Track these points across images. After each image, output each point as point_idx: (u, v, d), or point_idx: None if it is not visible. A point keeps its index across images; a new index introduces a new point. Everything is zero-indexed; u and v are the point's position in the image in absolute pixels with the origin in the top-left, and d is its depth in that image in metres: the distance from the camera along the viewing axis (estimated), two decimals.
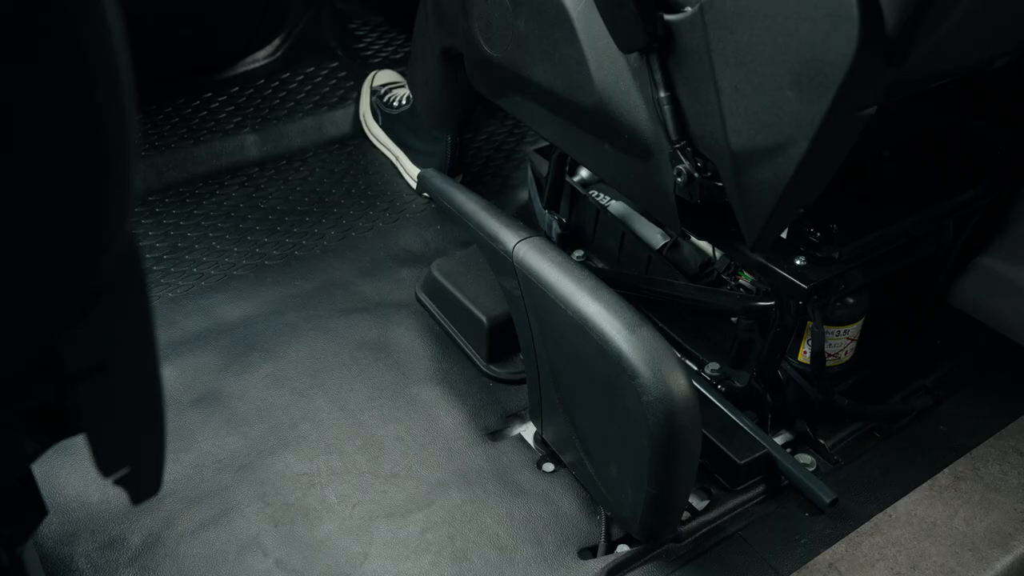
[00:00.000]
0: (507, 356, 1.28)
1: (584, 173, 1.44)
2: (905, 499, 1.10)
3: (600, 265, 1.41)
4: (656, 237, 1.31)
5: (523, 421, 1.22)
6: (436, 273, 1.33)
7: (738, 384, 1.18)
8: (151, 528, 1.04)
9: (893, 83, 0.78)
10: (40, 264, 0.39)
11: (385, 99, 1.70)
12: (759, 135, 0.81)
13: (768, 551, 1.04)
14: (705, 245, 1.26)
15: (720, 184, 0.89)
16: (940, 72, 0.93)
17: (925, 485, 1.12)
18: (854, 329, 1.19)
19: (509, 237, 1.05)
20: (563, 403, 1.05)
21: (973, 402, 1.24)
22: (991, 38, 0.91)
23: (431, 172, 1.29)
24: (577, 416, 1.03)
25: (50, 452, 0.53)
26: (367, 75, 1.78)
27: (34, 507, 0.61)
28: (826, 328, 1.16)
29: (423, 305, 1.37)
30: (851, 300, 1.16)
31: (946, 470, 1.14)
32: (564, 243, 1.45)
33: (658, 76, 0.88)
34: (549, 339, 1.02)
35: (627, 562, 1.02)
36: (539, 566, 1.02)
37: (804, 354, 1.18)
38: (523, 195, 1.63)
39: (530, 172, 1.56)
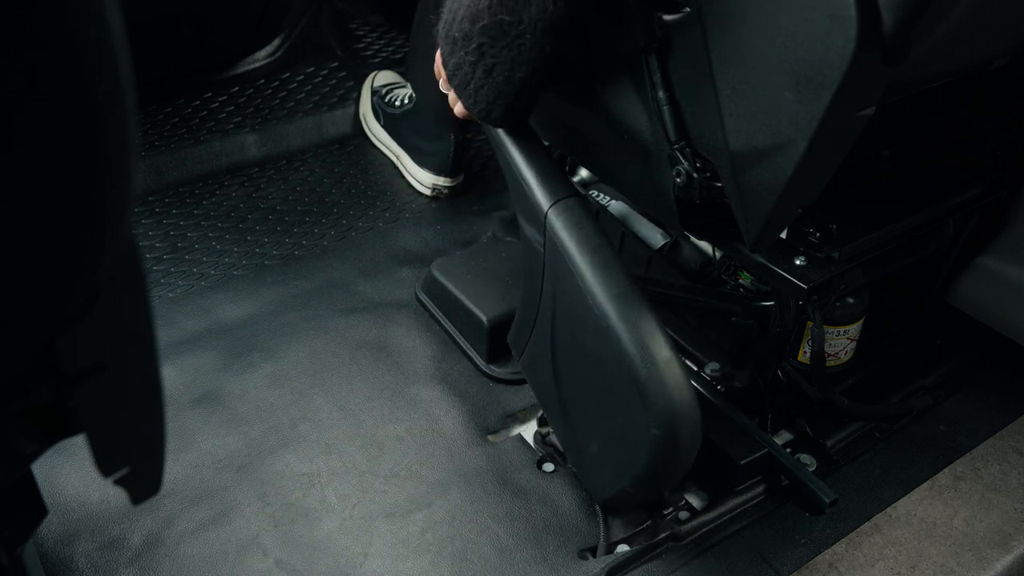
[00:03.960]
0: (507, 356, 1.28)
1: (584, 173, 1.44)
2: (905, 499, 1.10)
3: None
4: (656, 237, 1.31)
5: (523, 421, 1.22)
6: (436, 273, 1.33)
7: (738, 384, 1.18)
8: (151, 528, 1.04)
9: (892, 83, 0.78)
10: (40, 264, 0.39)
11: (387, 99, 1.70)
12: (758, 135, 0.81)
13: (768, 551, 1.04)
14: (705, 245, 1.26)
15: (719, 184, 0.89)
16: (940, 72, 0.93)
17: (925, 485, 1.12)
18: (854, 329, 1.19)
19: (547, 194, 1.00)
20: (553, 363, 1.03)
21: (973, 402, 1.24)
22: (990, 38, 0.91)
23: None
24: (566, 384, 1.02)
25: (50, 452, 0.53)
26: (367, 75, 1.78)
27: (34, 507, 0.61)
28: (826, 328, 1.16)
29: (423, 305, 1.37)
30: (851, 300, 1.16)
31: (946, 470, 1.14)
32: None
33: (657, 76, 0.88)
34: (561, 311, 0.99)
35: (627, 562, 1.02)
36: (539, 566, 1.02)
37: (804, 354, 1.18)
38: None
39: None
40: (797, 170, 0.79)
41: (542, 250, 1.01)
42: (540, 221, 1.00)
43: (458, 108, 1.07)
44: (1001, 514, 1.08)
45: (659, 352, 0.89)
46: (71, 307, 0.42)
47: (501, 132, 1.05)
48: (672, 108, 0.88)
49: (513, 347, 1.15)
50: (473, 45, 0.93)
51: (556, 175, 1.02)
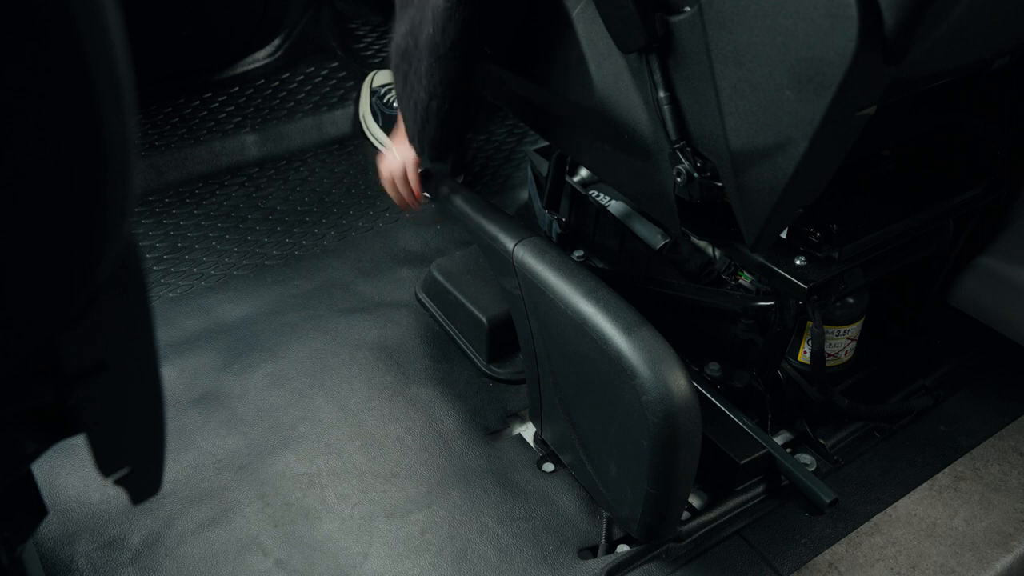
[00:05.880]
0: (507, 356, 1.28)
1: (584, 173, 1.44)
2: (905, 499, 1.10)
3: (600, 265, 1.41)
4: (656, 237, 1.31)
5: (523, 421, 1.22)
6: (436, 273, 1.33)
7: (738, 384, 1.18)
8: (151, 528, 1.04)
9: (893, 83, 0.78)
10: (40, 264, 0.39)
11: (385, 99, 1.70)
12: (758, 135, 0.81)
13: (768, 551, 1.04)
14: (705, 245, 1.26)
15: (720, 184, 0.89)
16: (940, 72, 0.93)
17: (925, 485, 1.12)
18: (854, 329, 1.19)
19: (509, 237, 1.05)
20: (563, 403, 1.05)
21: (973, 402, 1.24)
22: (991, 38, 0.91)
23: (433, 171, 1.29)
24: (577, 416, 1.03)
25: (50, 452, 0.53)
26: (367, 75, 1.78)
27: (34, 507, 0.61)
28: (826, 328, 1.16)
29: (423, 305, 1.37)
30: (851, 300, 1.16)
31: (946, 470, 1.14)
32: (564, 243, 1.45)
33: (657, 76, 0.88)
34: (549, 339, 1.02)
35: (627, 562, 1.02)
36: (539, 566, 1.02)
37: (804, 354, 1.18)
38: (523, 195, 1.64)
39: (530, 172, 1.56)
40: (797, 170, 0.79)
41: (519, 292, 1.03)
42: (509, 263, 1.04)
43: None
44: (1001, 514, 1.08)
45: (633, 321, 0.90)
46: (71, 307, 0.42)
47: (460, 204, 1.15)
48: (673, 108, 0.88)
49: (535, 423, 1.17)
50: (399, 75, 1.02)
51: (514, 222, 1.10)
